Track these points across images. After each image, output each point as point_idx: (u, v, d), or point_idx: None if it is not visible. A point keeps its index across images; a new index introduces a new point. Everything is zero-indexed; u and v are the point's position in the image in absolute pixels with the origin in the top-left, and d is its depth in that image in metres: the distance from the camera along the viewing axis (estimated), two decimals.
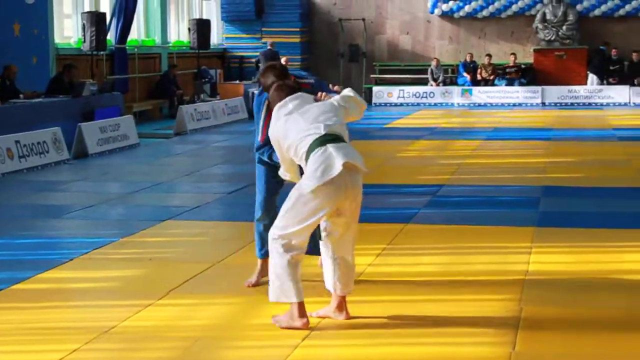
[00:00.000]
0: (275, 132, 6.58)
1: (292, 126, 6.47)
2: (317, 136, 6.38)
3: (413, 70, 30.32)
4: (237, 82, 27.73)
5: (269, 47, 28.01)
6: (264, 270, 7.41)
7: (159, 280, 7.82)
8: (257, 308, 6.98)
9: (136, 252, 8.99)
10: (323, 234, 6.61)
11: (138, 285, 7.72)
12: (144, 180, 13.70)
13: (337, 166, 6.30)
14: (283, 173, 6.87)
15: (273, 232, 6.42)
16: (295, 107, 6.54)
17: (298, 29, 30.18)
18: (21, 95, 17.31)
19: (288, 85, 6.75)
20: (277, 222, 6.45)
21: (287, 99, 6.60)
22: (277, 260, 6.38)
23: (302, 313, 6.41)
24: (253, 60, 30.20)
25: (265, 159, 7.39)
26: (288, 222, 6.37)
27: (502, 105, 28.31)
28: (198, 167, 15.11)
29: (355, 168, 6.46)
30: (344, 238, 6.64)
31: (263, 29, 30.47)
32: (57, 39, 21.12)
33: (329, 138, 6.41)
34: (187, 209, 11.23)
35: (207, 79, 26.60)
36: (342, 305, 6.69)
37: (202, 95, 25.57)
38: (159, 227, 10.23)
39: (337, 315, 6.69)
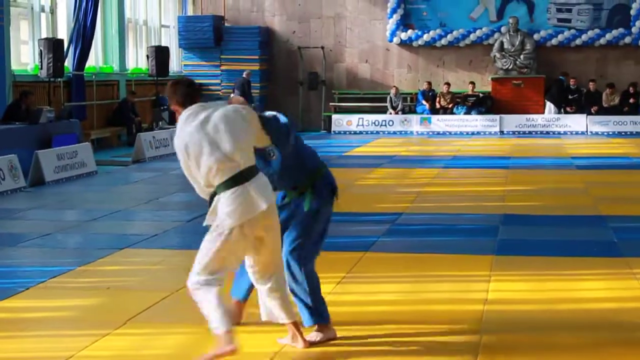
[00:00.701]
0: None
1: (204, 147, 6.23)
2: (233, 172, 6.24)
3: (372, 98, 30.42)
4: None
5: (244, 76, 28.04)
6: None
7: (117, 310, 7.74)
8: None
9: (93, 281, 8.91)
10: (249, 270, 6.54)
11: (95, 314, 7.64)
12: (101, 208, 13.60)
13: (260, 205, 6.23)
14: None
15: (193, 272, 6.34)
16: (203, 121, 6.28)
17: (257, 57, 30.19)
18: None
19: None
20: (197, 260, 6.36)
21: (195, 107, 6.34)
22: (203, 297, 6.28)
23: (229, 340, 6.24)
24: (211, 87, 30.20)
25: None
26: (207, 260, 6.30)
27: (461, 133, 28.46)
28: (156, 195, 15.03)
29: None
30: (269, 267, 6.54)
31: (222, 56, 30.45)
32: (14, 66, 20.97)
33: (245, 175, 6.27)
34: (145, 237, 11.15)
35: (165, 106, 26.49)
36: (296, 335, 6.65)
37: (160, 123, 25.49)
38: (117, 255, 10.14)
39: (296, 344, 6.66)
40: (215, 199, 6.29)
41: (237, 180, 6.21)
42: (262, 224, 6.32)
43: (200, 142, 6.16)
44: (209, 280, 6.25)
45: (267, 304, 6.62)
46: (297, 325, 6.67)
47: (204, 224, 6.38)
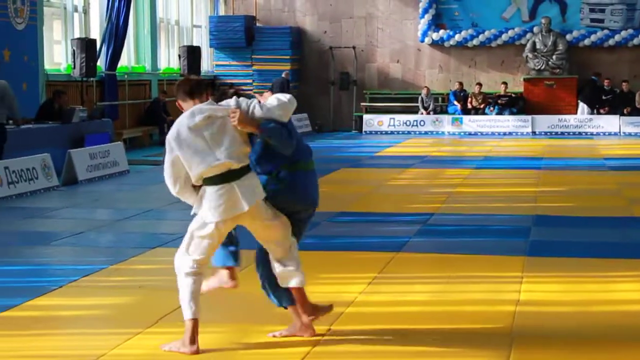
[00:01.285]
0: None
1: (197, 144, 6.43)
2: (222, 170, 6.41)
3: (403, 98, 30.36)
4: None
5: (283, 76, 28.10)
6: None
7: (149, 308, 7.76)
8: (248, 337, 6.93)
9: (125, 280, 8.94)
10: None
11: (127, 313, 7.66)
12: (133, 207, 13.65)
13: (242, 207, 6.45)
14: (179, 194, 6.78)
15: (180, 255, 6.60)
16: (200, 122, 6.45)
17: (288, 57, 30.20)
18: (10, 122, 17.24)
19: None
20: (183, 247, 6.60)
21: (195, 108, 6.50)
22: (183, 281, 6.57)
23: (193, 339, 6.46)
24: (243, 87, 30.26)
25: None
26: (192, 248, 6.55)
27: (493, 134, 28.35)
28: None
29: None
30: (269, 240, 6.76)
31: (253, 56, 30.49)
32: (47, 65, 21.10)
33: (235, 174, 6.42)
34: (176, 236, 11.12)
35: None
36: (307, 325, 6.80)
37: None
38: (149, 254, 10.17)
39: (303, 333, 6.72)
40: (202, 189, 6.49)
41: (225, 177, 6.42)
42: (245, 222, 6.60)
43: (195, 143, 6.37)
44: (195, 270, 6.55)
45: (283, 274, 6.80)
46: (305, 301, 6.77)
47: (191, 212, 6.60)
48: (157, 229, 12.05)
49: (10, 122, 17.22)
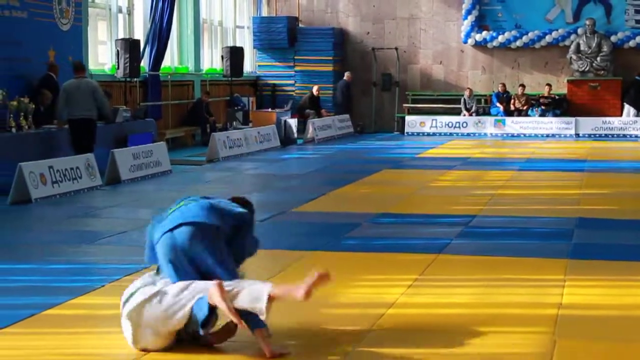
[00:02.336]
0: None
1: None
2: None
3: (446, 99, 30.29)
4: (270, 110, 27.78)
5: (345, 79, 28.17)
6: None
7: None
8: (287, 338, 6.92)
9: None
10: None
11: None
12: None
13: None
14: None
15: None
16: None
17: (331, 58, 30.23)
18: (55, 121, 17.41)
19: None
20: None
21: None
22: None
23: None
24: (285, 88, 30.36)
25: None
26: None
27: (536, 135, 28.17)
28: (230, 195, 15.00)
29: None
30: None
31: (296, 57, 30.55)
32: (92, 66, 21.26)
33: None
34: None
35: (239, 107, 26.67)
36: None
37: (234, 123, 25.63)
38: None
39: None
40: None
41: None
42: None
43: None
44: None
45: None
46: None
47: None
48: None
49: (55, 121, 17.40)
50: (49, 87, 17.66)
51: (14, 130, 15.79)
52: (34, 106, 16.46)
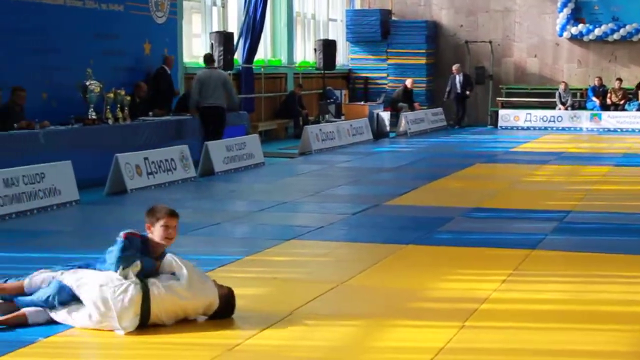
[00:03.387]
0: None
1: None
2: None
3: (540, 93, 29.90)
4: (362, 103, 27.73)
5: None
6: None
7: (283, 300, 7.81)
8: (380, 331, 6.92)
9: (260, 271, 9.02)
10: None
11: (262, 303, 7.72)
12: (268, 200, 13.76)
13: None
14: None
15: None
16: None
17: (424, 51, 30.07)
18: (150, 113, 17.62)
19: None
20: None
21: None
22: None
23: None
24: (378, 81, 30.30)
25: None
26: None
27: (633, 130, 27.66)
28: (322, 188, 15.11)
29: None
30: None
31: (388, 50, 30.46)
32: (186, 58, 21.45)
33: None
34: (311, 229, 11.23)
35: (332, 100, 26.69)
36: None
37: (327, 116, 25.66)
38: (283, 246, 10.24)
39: None
40: None
41: None
42: None
43: None
44: None
45: None
46: None
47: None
48: (292, 221, 12.13)
49: (150, 113, 17.60)
50: (162, 79, 18.66)
51: (110, 121, 16.02)
52: (129, 98, 16.68)
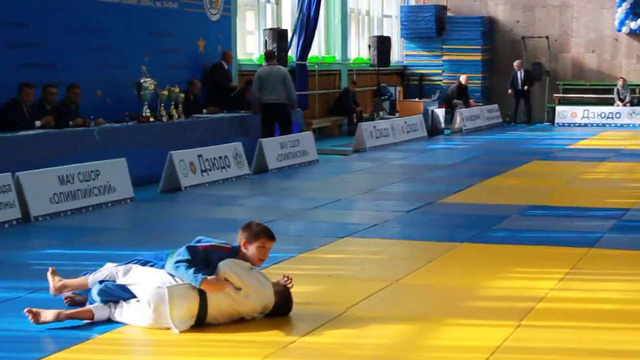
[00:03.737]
0: None
1: None
2: None
3: (598, 89, 29.55)
4: (417, 99, 27.63)
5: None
6: None
7: (337, 298, 7.76)
8: (435, 330, 6.85)
9: (314, 268, 8.98)
10: None
11: (316, 301, 7.66)
12: (322, 197, 13.72)
13: None
14: None
15: None
16: None
17: (479, 47, 29.87)
18: (204, 111, 17.65)
19: None
20: None
21: None
22: None
23: None
24: (433, 78, 30.14)
25: None
26: None
27: None
28: (376, 185, 15.04)
29: None
30: None
31: (443, 46, 30.30)
32: (240, 55, 21.48)
33: None
34: (365, 227, 11.16)
35: (386, 97, 26.59)
36: None
37: (381, 113, 25.57)
38: (337, 243, 10.19)
39: None
40: None
41: None
42: None
43: None
44: None
45: None
46: None
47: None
48: (346, 218, 12.08)
49: (204, 110, 17.62)
50: (219, 74, 18.87)
51: (164, 119, 16.06)
52: (183, 95, 16.72)
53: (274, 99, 18.16)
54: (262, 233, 7.11)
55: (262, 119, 18.34)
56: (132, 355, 6.54)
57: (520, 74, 28.61)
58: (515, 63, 28.76)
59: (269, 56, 18.90)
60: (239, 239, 7.13)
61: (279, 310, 7.09)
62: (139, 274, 7.06)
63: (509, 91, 28.80)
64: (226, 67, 19.18)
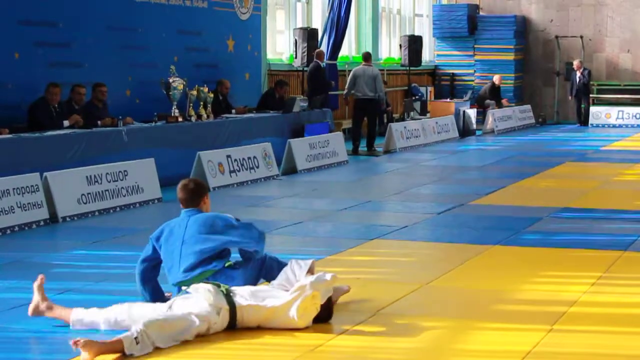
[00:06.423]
0: None
1: None
2: None
3: (633, 90, 29.24)
4: (448, 100, 27.46)
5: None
6: None
7: (366, 300, 7.66)
8: (466, 334, 6.75)
9: (343, 271, 8.83)
10: None
11: (345, 304, 7.55)
12: (352, 198, 13.62)
13: None
14: None
15: None
16: None
17: (512, 47, 29.64)
18: (233, 111, 17.59)
19: None
20: None
21: None
22: None
23: None
24: (465, 77, 29.96)
25: None
26: None
27: None
28: (407, 186, 14.93)
29: None
30: None
31: (475, 46, 30.10)
32: (270, 55, 21.42)
33: None
34: (395, 229, 11.05)
35: (417, 97, 26.43)
36: None
37: (412, 113, 25.42)
38: (367, 245, 10.10)
39: None
40: None
41: None
42: None
43: None
44: None
45: None
46: None
47: None
48: (375, 220, 12.00)
49: (233, 110, 17.55)
50: (317, 74, 20.52)
51: (193, 119, 15.99)
52: (212, 95, 16.65)
53: (365, 95, 20.04)
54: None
55: (354, 112, 20.48)
56: (165, 356, 6.43)
57: (579, 74, 28.14)
58: (575, 63, 28.34)
59: (366, 58, 20.73)
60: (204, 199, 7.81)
61: (321, 318, 6.94)
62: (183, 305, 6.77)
63: (569, 97, 28.48)
64: (322, 65, 21.03)
